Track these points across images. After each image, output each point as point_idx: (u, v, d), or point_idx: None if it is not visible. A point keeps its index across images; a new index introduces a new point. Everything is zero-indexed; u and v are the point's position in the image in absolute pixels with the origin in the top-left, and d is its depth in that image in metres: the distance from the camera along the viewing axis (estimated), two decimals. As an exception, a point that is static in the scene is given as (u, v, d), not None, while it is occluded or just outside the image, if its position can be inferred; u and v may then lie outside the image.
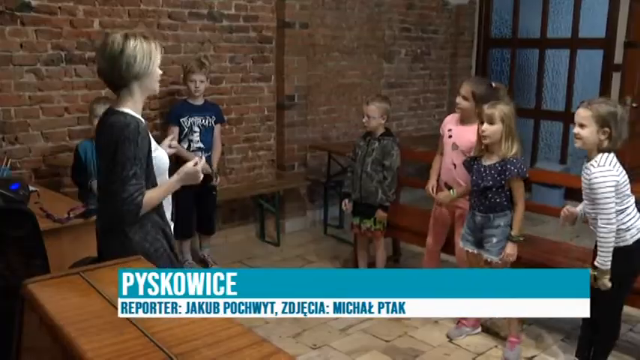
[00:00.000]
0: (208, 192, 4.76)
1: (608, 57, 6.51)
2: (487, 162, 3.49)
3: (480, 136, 3.49)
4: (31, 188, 3.43)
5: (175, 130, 4.60)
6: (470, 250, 3.65)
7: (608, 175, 2.98)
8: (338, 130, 6.36)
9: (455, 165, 3.87)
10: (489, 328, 3.97)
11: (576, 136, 3.07)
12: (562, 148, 7.03)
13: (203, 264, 4.94)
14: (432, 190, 4.05)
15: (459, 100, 3.86)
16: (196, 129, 4.64)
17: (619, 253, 3.05)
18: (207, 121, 4.68)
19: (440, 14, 7.22)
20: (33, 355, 1.92)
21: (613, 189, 2.97)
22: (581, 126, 3.03)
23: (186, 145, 4.59)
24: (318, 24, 5.98)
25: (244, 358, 1.53)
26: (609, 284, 3.00)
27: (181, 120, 4.61)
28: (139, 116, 2.47)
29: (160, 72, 2.54)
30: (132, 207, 2.37)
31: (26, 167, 4.30)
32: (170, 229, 2.67)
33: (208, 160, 4.56)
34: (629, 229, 3.06)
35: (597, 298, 3.13)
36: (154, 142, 2.57)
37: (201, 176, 2.61)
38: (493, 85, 3.82)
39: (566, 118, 6.90)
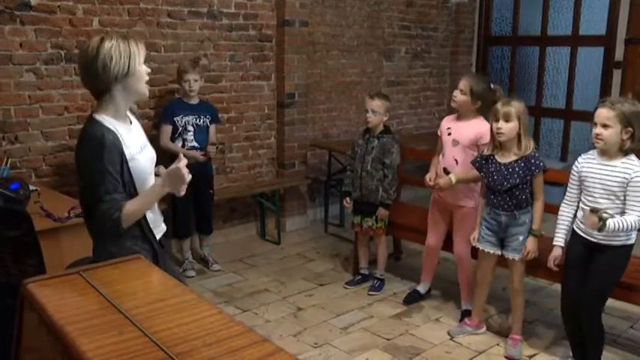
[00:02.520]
0: (205, 191, 4.76)
1: (608, 54, 6.50)
2: (505, 160, 3.47)
3: (494, 134, 3.47)
4: (31, 187, 3.43)
5: (169, 129, 4.58)
6: (491, 252, 3.62)
7: None
8: (338, 128, 6.35)
9: (457, 161, 3.88)
10: (492, 325, 3.97)
11: (598, 137, 3.05)
12: (563, 146, 7.03)
13: (204, 263, 4.94)
14: (429, 179, 4.02)
15: (455, 93, 3.87)
16: (190, 128, 4.62)
17: (622, 250, 3.09)
18: (201, 121, 4.66)
19: (440, 12, 7.22)
20: (32, 355, 1.92)
21: None
22: (605, 126, 3.02)
23: (180, 144, 4.58)
24: (318, 22, 5.98)
25: (245, 358, 1.52)
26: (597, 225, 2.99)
27: (175, 119, 4.59)
28: (114, 125, 2.33)
29: (147, 70, 2.42)
30: (109, 224, 2.27)
31: (26, 166, 4.30)
32: (154, 238, 2.51)
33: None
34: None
35: (591, 282, 3.17)
36: (135, 146, 2.41)
37: (188, 176, 2.36)
38: (492, 86, 3.83)
39: (567, 115, 6.91)
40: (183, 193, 2.40)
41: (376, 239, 4.57)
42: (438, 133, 4.10)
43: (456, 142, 3.89)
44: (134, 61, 2.35)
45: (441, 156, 4.02)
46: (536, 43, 7.23)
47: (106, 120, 2.34)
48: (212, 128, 4.76)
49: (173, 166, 2.34)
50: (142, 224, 2.43)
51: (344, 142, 5.94)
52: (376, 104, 4.26)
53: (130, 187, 2.35)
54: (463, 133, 3.86)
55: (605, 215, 2.98)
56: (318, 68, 6.05)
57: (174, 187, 2.36)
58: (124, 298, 1.80)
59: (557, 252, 3.28)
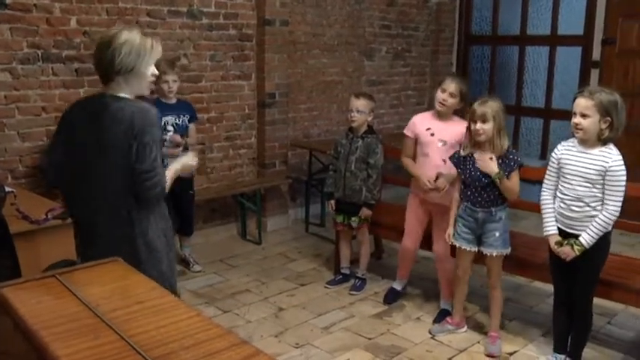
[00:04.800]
0: (185, 191, 4.73)
1: (586, 54, 6.56)
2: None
3: (472, 135, 3.49)
4: (7, 189, 3.37)
5: None
6: (468, 249, 3.64)
7: (623, 164, 3.06)
8: (319, 127, 6.35)
9: (444, 161, 3.86)
10: (474, 324, 3.99)
11: (577, 126, 3.09)
12: (542, 144, 7.09)
13: (184, 264, 4.90)
14: (429, 182, 3.94)
15: (445, 96, 3.85)
16: (170, 128, 4.56)
17: (603, 239, 3.14)
18: (180, 120, 4.62)
19: (420, 11, 7.24)
20: (8, 360, 1.89)
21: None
22: (584, 116, 3.06)
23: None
24: (299, 21, 5.96)
25: (223, 361, 1.51)
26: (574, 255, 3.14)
27: None
28: None
29: (154, 72, 2.51)
30: (158, 189, 2.43)
31: (2, 168, 4.24)
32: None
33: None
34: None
35: (579, 281, 3.23)
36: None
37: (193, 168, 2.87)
38: None
39: (546, 114, 6.97)
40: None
41: (359, 237, 4.57)
42: (409, 134, 4.08)
43: (443, 142, 3.90)
44: (141, 61, 2.43)
45: (421, 156, 4.02)
46: (516, 43, 7.28)
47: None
48: (192, 127, 4.72)
49: (189, 157, 2.78)
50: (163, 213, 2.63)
51: (325, 141, 5.94)
52: (361, 104, 4.26)
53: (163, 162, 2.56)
54: (449, 134, 3.87)
55: (575, 244, 3.12)
56: (298, 68, 6.04)
57: (182, 173, 2.74)
58: (101, 302, 1.78)
59: (555, 239, 3.26)
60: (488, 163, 3.39)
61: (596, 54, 6.47)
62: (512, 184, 3.46)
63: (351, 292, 4.47)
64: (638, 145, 6.20)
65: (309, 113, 6.24)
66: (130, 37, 2.40)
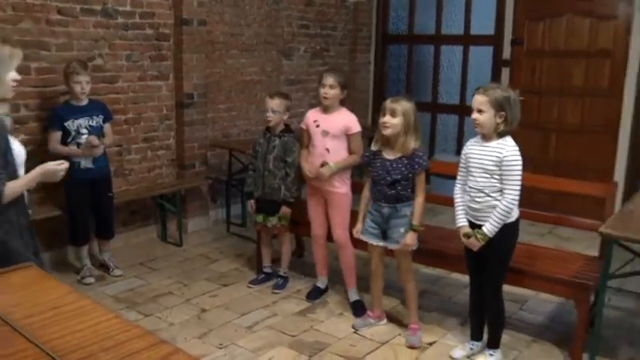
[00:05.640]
0: (104, 194, 4.62)
1: (497, 53, 6.84)
2: (390, 156, 3.61)
3: (380, 128, 3.60)
4: None
5: (58, 134, 4.38)
6: (374, 244, 3.74)
7: (518, 154, 3.21)
8: (238, 127, 6.33)
9: (328, 150, 4.05)
10: (395, 317, 4.08)
11: (476, 122, 3.26)
12: (458, 140, 7.33)
13: (104, 268, 4.79)
14: (309, 171, 4.12)
15: (325, 90, 4.04)
16: (84, 131, 4.43)
17: (507, 228, 3.28)
18: (94, 121, 4.49)
19: (338, 11, 7.33)
20: None
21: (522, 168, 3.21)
22: (480, 111, 3.22)
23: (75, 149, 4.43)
24: (217, 21, 5.93)
25: (143, 360, 1.51)
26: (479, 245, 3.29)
27: (66, 124, 4.38)
28: None
29: (15, 78, 2.63)
30: None
31: None
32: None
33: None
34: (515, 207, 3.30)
35: (487, 270, 3.37)
36: (9, 136, 2.65)
37: (62, 175, 2.75)
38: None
39: (461, 110, 7.21)
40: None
41: (279, 237, 4.60)
42: (303, 126, 4.24)
43: (325, 133, 4.06)
44: (1, 67, 2.56)
45: (311, 147, 4.15)
46: (431, 42, 7.50)
47: None
48: (107, 127, 4.60)
49: (54, 165, 2.71)
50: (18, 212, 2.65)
51: (244, 141, 5.93)
52: (276, 103, 4.30)
53: (11, 169, 2.60)
54: (332, 124, 4.05)
55: (479, 233, 3.26)
56: (217, 67, 6.00)
57: (46, 180, 2.78)
58: (12, 309, 1.73)
59: (464, 230, 3.39)
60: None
61: (506, 53, 6.76)
62: (418, 186, 3.61)
63: (274, 291, 4.49)
64: (545, 138, 6.54)
65: (228, 113, 6.21)
66: None
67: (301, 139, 4.29)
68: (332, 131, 4.04)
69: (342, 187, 4.09)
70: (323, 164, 4.03)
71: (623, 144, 6.16)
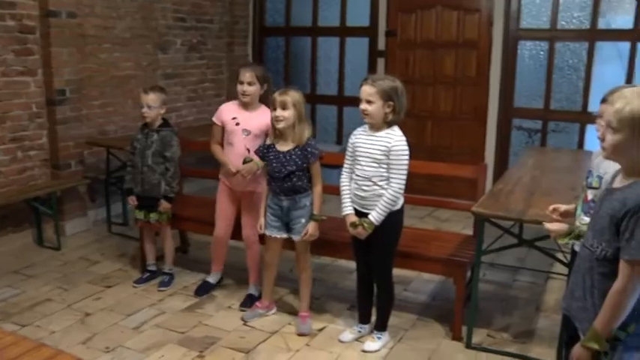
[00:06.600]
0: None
1: (372, 44, 7.05)
2: (284, 148, 3.62)
3: (273, 122, 3.60)
4: None
5: None
6: (278, 236, 3.75)
7: (406, 144, 3.31)
8: (115, 124, 6.12)
9: (249, 150, 3.95)
10: (284, 306, 4.12)
11: (364, 112, 3.32)
12: (338, 130, 7.49)
13: (-27, 278, 4.49)
14: (233, 167, 4.00)
15: (244, 87, 3.93)
16: None
17: (393, 215, 3.39)
18: None
19: (214, 3, 7.25)
20: None
21: (409, 157, 3.31)
22: (369, 102, 3.29)
23: None
24: (87, 13, 5.68)
25: (23, 367, 1.43)
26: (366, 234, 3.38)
27: None
28: None
29: None
30: None
31: None
32: None
33: None
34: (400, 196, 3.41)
35: (375, 257, 3.48)
36: None
37: None
38: None
39: (340, 101, 7.37)
40: None
41: (161, 233, 4.51)
42: (217, 121, 4.12)
43: (247, 132, 3.97)
44: None
45: (227, 144, 4.06)
46: (309, 34, 7.59)
47: None
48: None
49: None
50: None
51: (122, 138, 5.73)
52: (151, 98, 4.20)
53: None
54: (254, 124, 3.95)
55: (365, 222, 3.34)
56: (90, 62, 5.76)
57: None
58: None
59: (351, 219, 3.45)
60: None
61: (381, 44, 6.98)
62: (314, 175, 3.65)
63: (160, 289, 4.40)
64: (421, 125, 6.83)
65: (103, 110, 5.98)
66: None
67: (212, 134, 4.15)
68: (254, 131, 3.94)
69: (258, 187, 3.99)
70: (245, 161, 3.93)
71: (491, 128, 6.56)
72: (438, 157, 6.37)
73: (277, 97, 3.56)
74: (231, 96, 4.05)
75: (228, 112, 4.08)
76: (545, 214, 2.89)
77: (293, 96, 3.55)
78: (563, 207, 2.82)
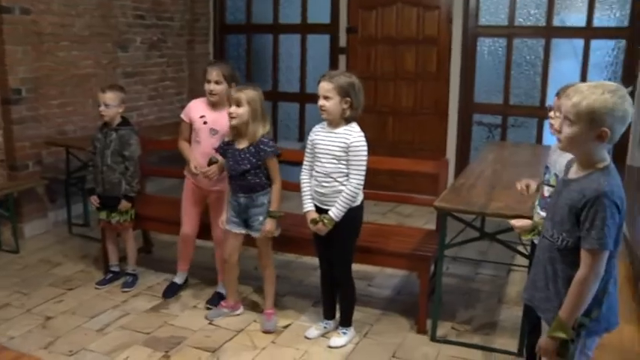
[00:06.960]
0: None
1: (334, 41, 7.06)
2: (240, 145, 3.61)
3: (228, 119, 3.59)
4: None
5: None
6: (237, 232, 3.74)
7: (364, 141, 3.33)
8: (75, 123, 6.01)
9: (216, 149, 3.89)
10: (249, 305, 4.11)
11: (322, 108, 3.33)
12: (300, 127, 7.49)
13: None
14: (195, 168, 3.96)
15: (211, 86, 3.88)
16: None
17: (353, 211, 3.42)
18: None
19: (175, 1, 7.18)
20: None
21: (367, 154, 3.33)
22: (326, 98, 3.30)
23: None
24: (43, 10, 5.56)
25: (-15, 373, 1.41)
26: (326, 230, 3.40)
27: None
28: None
29: None
30: None
31: None
32: None
33: None
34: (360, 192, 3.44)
35: (335, 253, 3.51)
36: None
37: None
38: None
39: (301, 98, 7.37)
40: None
41: (123, 234, 4.46)
42: (185, 118, 4.07)
43: (214, 132, 3.93)
44: None
45: (194, 142, 4.03)
46: (270, 31, 7.56)
47: None
48: None
49: None
50: None
51: (82, 137, 5.62)
52: (109, 97, 4.15)
53: None
54: (222, 124, 3.88)
55: (325, 218, 3.36)
56: (47, 61, 5.64)
57: None
58: None
59: (311, 215, 3.46)
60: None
61: (342, 41, 7.00)
62: (271, 172, 3.64)
63: (124, 290, 4.35)
64: (382, 121, 6.88)
65: (62, 109, 5.87)
66: None
67: (180, 130, 4.11)
68: (222, 131, 3.88)
69: (224, 186, 3.92)
70: (211, 162, 3.89)
71: (452, 124, 6.64)
72: (399, 152, 6.42)
73: (233, 93, 3.56)
74: (193, 94, 4.01)
75: (196, 109, 4.04)
76: (506, 207, 2.95)
77: (248, 94, 3.54)
78: (533, 185, 2.95)
